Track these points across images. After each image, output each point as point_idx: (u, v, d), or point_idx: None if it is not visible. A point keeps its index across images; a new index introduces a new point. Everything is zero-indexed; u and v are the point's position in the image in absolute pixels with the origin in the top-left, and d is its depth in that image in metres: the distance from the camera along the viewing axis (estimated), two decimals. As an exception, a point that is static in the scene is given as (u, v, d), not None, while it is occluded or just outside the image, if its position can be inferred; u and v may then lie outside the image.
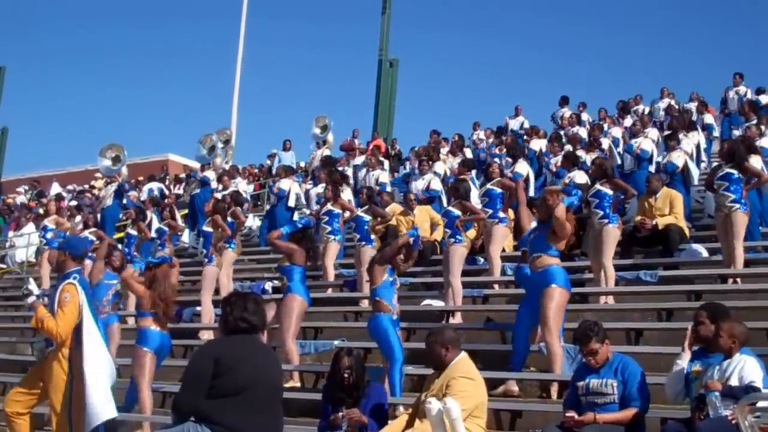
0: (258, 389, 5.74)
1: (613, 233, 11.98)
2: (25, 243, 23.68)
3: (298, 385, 11.12)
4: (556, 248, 9.64)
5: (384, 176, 20.41)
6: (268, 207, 20.79)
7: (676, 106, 23.54)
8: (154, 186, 25.74)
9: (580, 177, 14.61)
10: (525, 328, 9.88)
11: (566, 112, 24.66)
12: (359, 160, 23.64)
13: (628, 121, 21.67)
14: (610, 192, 12.11)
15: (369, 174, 20.29)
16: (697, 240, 13.61)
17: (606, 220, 11.92)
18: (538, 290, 9.54)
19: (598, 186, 12.22)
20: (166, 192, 25.90)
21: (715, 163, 16.27)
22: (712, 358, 6.99)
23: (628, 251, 13.02)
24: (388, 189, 19.00)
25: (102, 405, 7.95)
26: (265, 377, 5.85)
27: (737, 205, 11.65)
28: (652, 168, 16.55)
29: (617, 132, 20.25)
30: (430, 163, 19.04)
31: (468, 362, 7.09)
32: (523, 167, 16.57)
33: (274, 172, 24.31)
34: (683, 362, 7.24)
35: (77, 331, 7.95)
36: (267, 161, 29.43)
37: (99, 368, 7.98)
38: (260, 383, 5.77)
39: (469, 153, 22.87)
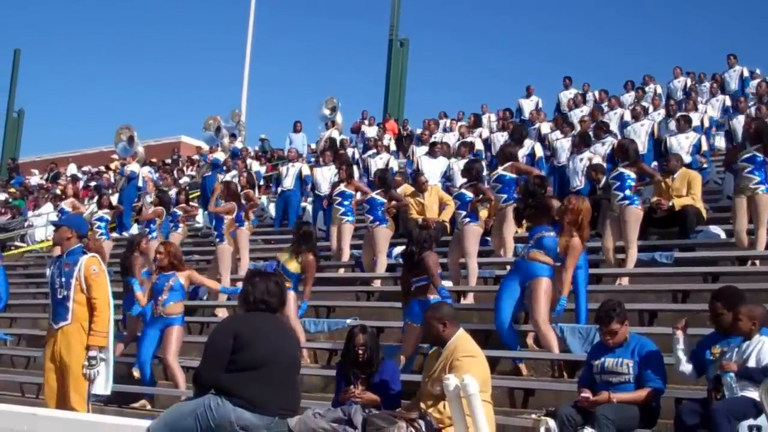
0: (276, 364, 5.80)
1: (635, 213, 11.89)
2: (43, 222, 23.77)
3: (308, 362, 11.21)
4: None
5: (392, 160, 20.32)
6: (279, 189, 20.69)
7: (695, 85, 23.23)
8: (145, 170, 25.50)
9: (596, 159, 14.56)
10: (510, 314, 9.87)
11: (570, 93, 24.44)
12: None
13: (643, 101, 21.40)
14: (633, 175, 11.99)
15: (376, 158, 20.20)
16: (715, 222, 13.42)
17: (627, 201, 11.82)
18: (523, 278, 9.70)
19: (620, 168, 12.10)
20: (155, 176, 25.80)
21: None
22: (732, 340, 6.90)
23: (643, 232, 12.86)
24: (396, 169, 18.94)
25: (103, 379, 8.03)
26: (283, 353, 5.91)
27: (762, 187, 11.48)
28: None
29: (627, 114, 20.03)
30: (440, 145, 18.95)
31: (467, 339, 7.02)
32: (535, 147, 16.56)
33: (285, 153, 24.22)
34: (680, 344, 7.21)
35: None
36: (258, 144, 29.25)
37: (109, 345, 8.08)
38: (278, 358, 5.83)
39: (486, 133, 22.68)
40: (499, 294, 9.93)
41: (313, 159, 24.25)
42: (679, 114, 17.11)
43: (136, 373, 11.87)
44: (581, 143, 15.59)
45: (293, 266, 11.43)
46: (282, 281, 6.46)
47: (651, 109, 19.87)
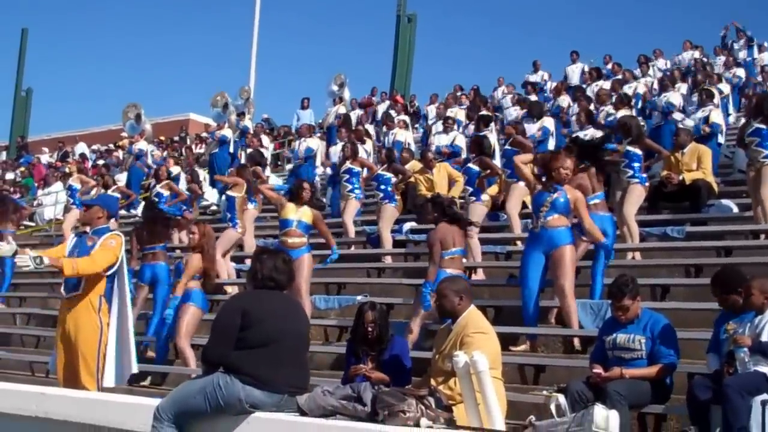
0: (285, 342, 5.77)
1: (637, 191, 11.85)
2: (52, 201, 23.80)
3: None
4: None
5: (401, 135, 20.23)
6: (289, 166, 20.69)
7: (704, 59, 23.07)
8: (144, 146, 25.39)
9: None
10: (536, 288, 9.73)
11: (577, 67, 24.28)
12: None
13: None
14: (639, 152, 11.91)
15: (388, 133, 20.13)
16: (727, 195, 13.36)
17: (635, 179, 11.78)
18: (545, 248, 9.48)
19: (627, 147, 12.02)
20: (157, 154, 25.75)
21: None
22: (745, 316, 6.85)
23: (655, 207, 12.80)
24: (411, 147, 18.84)
25: (130, 359, 8.03)
26: (292, 330, 5.88)
27: (770, 159, 11.40)
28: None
29: (641, 88, 19.89)
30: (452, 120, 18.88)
31: (478, 315, 7.00)
32: (549, 123, 16.48)
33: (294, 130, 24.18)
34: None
35: (112, 282, 8.07)
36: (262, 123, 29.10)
37: (128, 324, 8.08)
38: (287, 336, 5.80)
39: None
40: (525, 266, 9.77)
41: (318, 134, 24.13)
42: (702, 87, 16.96)
43: (148, 352, 11.92)
44: (586, 119, 15.45)
45: (307, 216, 11.54)
46: (290, 258, 6.42)
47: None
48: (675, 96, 17.04)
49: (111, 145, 31.63)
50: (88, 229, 8.45)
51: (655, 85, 19.49)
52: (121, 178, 22.91)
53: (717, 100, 16.54)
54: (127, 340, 8.08)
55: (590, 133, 14.86)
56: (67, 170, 25.40)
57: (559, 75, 25.22)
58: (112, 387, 8.03)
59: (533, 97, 20.89)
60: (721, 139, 15.67)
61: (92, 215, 8.34)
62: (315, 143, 20.18)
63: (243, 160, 18.99)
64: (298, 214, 11.50)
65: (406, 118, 22.88)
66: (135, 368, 8.22)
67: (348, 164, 15.30)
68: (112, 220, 16.97)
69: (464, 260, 12.51)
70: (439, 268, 9.67)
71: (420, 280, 10.44)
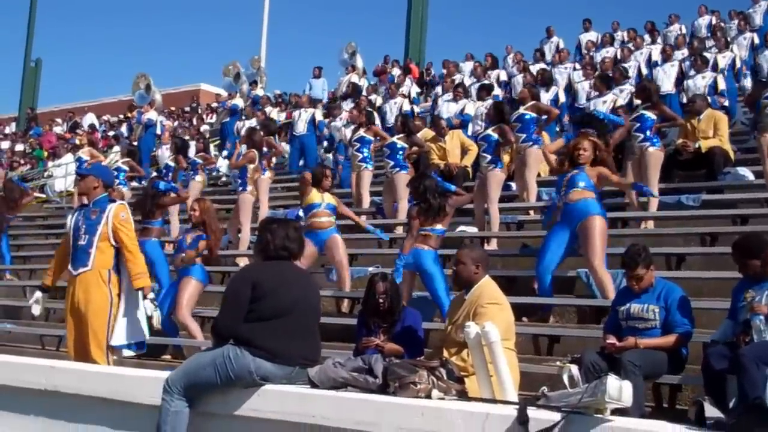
0: (296, 313, 5.76)
1: (655, 156, 11.73)
2: (63, 173, 23.84)
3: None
4: (593, 182, 9.53)
5: (406, 104, 20.18)
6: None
7: (722, 24, 22.83)
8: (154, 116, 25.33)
9: (621, 100, 14.40)
10: (554, 261, 9.70)
11: (591, 35, 24.10)
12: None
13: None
14: (653, 116, 11.81)
15: (391, 102, 20.07)
16: (743, 163, 13.23)
17: (647, 143, 11.66)
18: (573, 222, 9.39)
19: (641, 110, 11.93)
20: (167, 124, 25.73)
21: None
22: (765, 284, 6.79)
23: (669, 175, 12.71)
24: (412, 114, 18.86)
25: (130, 328, 8.05)
26: (303, 302, 5.86)
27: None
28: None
29: (655, 53, 19.72)
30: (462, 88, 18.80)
31: (492, 285, 6.97)
32: (560, 93, 16.42)
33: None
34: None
35: (118, 254, 8.09)
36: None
37: (135, 297, 8.12)
38: (298, 308, 5.79)
39: (504, 76, 22.49)
40: (546, 239, 9.78)
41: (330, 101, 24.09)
42: (696, 54, 16.92)
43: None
44: (602, 85, 15.34)
45: (330, 198, 11.78)
46: (300, 227, 6.41)
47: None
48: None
49: (121, 116, 31.67)
50: (86, 200, 8.48)
51: (656, 56, 19.30)
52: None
53: (725, 63, 16.46)
54: (135, 307, 8.12)
55: (609, 98, 14.78)
56: (77, 142, 25.46)
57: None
58: (122, 358, 8.09)
59: (541, 65, 20.80)
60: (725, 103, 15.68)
61: (88, 185, 8.33)
62: (318, 114, 20.24)
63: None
64: (323, 198, 11.66)
65: (409, 88, 22.86)
66: (146, 332, 8.26)
67: (361, 132, 15.22)
68: (125, 190, 17.14)
69: (470, 229, 12.59)
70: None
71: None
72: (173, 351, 11.24)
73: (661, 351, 6.90)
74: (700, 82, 15.54)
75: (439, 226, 9.93)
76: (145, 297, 8.06)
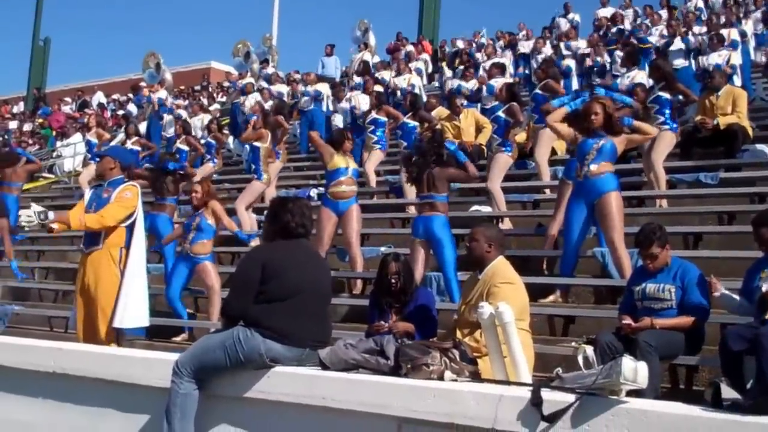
0: (306, 294, 5.75)
1: (668, 137, 11.69)
2: (71, 153, 23.88)
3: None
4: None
5: (415, 79, 20.13)
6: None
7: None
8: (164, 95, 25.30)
9: (640, 77, 14.29)
10: (579, 238, 9.66)
11: (607, 11, 23.98)
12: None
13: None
14: (669, 97, 11.75)
15: (400, 78, 20.04)
16: (762, 140, 13.10)
17: (665, 126, 11.61)
18: (590, 197, 9.32)
19: (657, 91, 11.86)
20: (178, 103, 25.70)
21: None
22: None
23: (687, 152, 12.63)
24: (416, 91, 18.81)
25: (142, 311, 8.06)
26: (313, 282, 5.86)
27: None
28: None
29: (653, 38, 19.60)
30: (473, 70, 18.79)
31: (506, 265, 6.95)
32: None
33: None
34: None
35: (130, 233, 8.11)
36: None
37: (142, 274, 8.09)
38: (309, 288, 5.78)
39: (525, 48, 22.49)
40: (568, 218, 9.70)
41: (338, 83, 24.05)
42: (713, 33, 16.83)
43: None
44: (629, 60, 15.23)
45: (353, 163, 11.80)
46: (311, 205, 6.44)
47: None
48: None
49: (130, 95, 31.63)
50: (85, 182, 8.51)
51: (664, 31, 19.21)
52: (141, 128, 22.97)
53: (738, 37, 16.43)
54: (137, 288, 8.11)
55: (633, 74, 14.70)
56: (86, 122, 25.48)
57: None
58: (127, 339, 8.11)
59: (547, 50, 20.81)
60: (737, 81, 15.53)
61: (104, 166, 8.38)
62: (322, 87, 20.23)
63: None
64: (347, 162, 11.57)
65: (418, 64, 22.83)
66: (146, 320, 8.26)
67: (374, 114, 15.22)
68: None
69: (484, 209, 12.57)
70: None
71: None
72: (187, 333, 11.28)
73: (678, 331, 6.88)
74: (715, 61, 15.42)
75: (439, 194, 10.02)
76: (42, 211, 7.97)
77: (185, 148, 17.63)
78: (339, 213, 11.40)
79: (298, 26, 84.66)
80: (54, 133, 28.48)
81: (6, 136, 29.52)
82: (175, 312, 11.26)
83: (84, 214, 7.98)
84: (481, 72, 19.51)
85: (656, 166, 11.56)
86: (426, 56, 25.58)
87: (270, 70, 25.65)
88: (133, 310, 8.00)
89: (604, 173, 9.24)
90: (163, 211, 12.59)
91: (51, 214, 7.93)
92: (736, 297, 7.08)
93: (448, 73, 20.98)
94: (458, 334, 6.81)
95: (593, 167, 9.25)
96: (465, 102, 16.46)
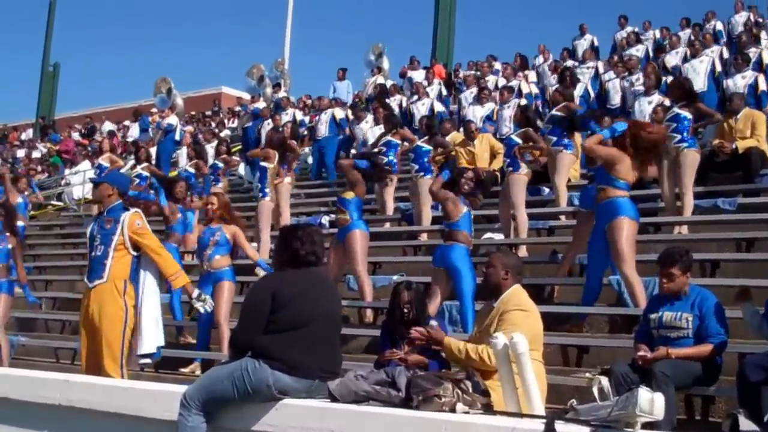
0: (316, 324, 5.74)
1: (691, 157, 11.63)
2: (80, 180, 23.97)
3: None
4: (624, 180, 9.36)
5: (436, 104, 20.16)
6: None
7: (761, 20, 22.65)
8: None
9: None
10: (597, 265, 9.66)
11: (626, 32, 23.97)
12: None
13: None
14: (689, 116, 11.71)
15: (418, 102, 20.07)
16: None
17: (684, 144, 11.55)
18: (603, 223, 9.32)
19: (676, 109, 11.83)
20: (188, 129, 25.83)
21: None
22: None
23: (704, 177, 12.58)
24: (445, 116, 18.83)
25: (156, 333, 8.10)
26: (323, 312, 5.84)
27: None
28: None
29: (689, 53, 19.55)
30: (488, 91, 18.79)
31: (522, 293, 6.91)
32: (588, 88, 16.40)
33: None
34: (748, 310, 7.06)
35: (136, 264, 8.17)
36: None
37: (155, 300, 8.19)
38: (319, 318, 5.77)
39: (533, 76, 22.44)
40: (589, 249, 9.80)
41: (358, 103, 24.09)
42: (741, 53, 16.78)
43: (183, 339, 12.01)
44: (655, 84, 15.22)
45: (348, 194, 11.64)
46: (322, 232, 6.46)
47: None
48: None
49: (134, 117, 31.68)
50: (95, 209, 8.56)
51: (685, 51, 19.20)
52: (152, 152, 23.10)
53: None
54: (155, 314, 8.17)
55: (654, 99, 14.67)
56: (98, 146, 25.55)
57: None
58: (139, 370, 8.13)
59: (569, 63, 20.74)
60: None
61: (102, 193, 8.41)
62: (340, 113, 20.33)
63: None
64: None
65: (438, 86, 22.86)
66: (163, 340, 8.33)
67: (388, 137, 15.21)
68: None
69: (497, 236, 12.56)
70: None
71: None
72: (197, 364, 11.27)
73: (694, 361, 6.86)
74: (740, 82, 15.35)
75: (459, 215, 10.07)
76: (190, 297, 8.33)
77: (192, 170, 17.69)
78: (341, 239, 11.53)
79: (310, 51, 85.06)
80: (62, 160, 28.58)
81: (14, 164, 29.66)
82: (199, 341, 11.25)
83: (177, 279, 8.22)
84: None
85: (687, 192, 11.54)
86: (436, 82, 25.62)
87: (282, 94, 25.76)
88: (153, 332, 8.07)
89: (616, 197, 9.25)
90: (166, 240, 12.57)
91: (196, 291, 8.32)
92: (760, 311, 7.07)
93: (467, 99, 20.94)
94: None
95: (603, 191, 9.33)
96: (480, 127, 16.52)
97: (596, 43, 23.82)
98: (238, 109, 32.08)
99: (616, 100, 17.37)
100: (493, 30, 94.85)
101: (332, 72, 27.16)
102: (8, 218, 11.68)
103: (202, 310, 8.50)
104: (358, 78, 27.04)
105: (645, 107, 14.73)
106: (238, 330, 5.89)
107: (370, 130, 18.57)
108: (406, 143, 15.07)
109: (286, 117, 22.24)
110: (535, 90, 21.00)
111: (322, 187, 19.33)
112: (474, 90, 19.83)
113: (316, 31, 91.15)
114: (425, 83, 22.48)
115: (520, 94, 19.05)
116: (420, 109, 19.79)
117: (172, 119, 22.98)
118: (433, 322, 7.09)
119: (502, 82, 21.10)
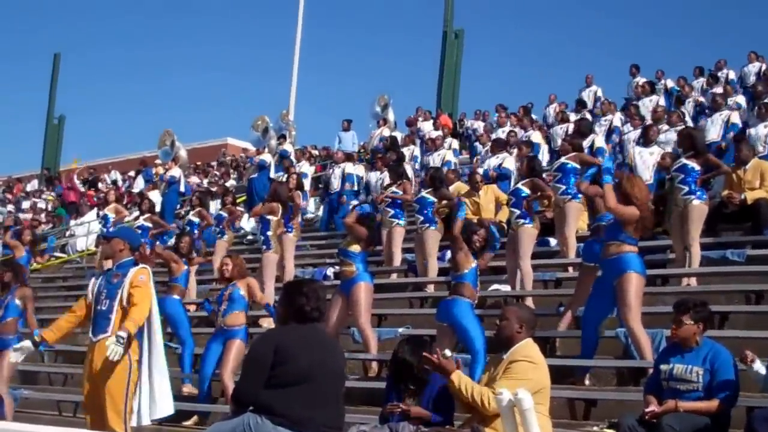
0: (319, 379, 5.77)
1: (699, 209, 11.57)
2: (85, 231, 24.02)
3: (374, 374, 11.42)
4: (633, 235, 9.36)
5: (450, 155, 20.19)
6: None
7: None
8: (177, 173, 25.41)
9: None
10: (595, 317, 9.66)
11: (639, 80, 24.07)
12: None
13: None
14: (697, 167, 11.72)
15: (434, 153, 20.12)
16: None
17: (692, 196, 11.53)
18: (611, 277, 9.31)
19: (683, 159, 11.84)
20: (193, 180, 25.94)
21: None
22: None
23: (713, 228, 12.57)
24: (453, 167, 18.87)
25: (165, 398, 8.07)
26: (326, 367, 5.88)
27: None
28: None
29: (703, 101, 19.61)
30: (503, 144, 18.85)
31: (532, 346, 6.90)
32: (596, 140, 16.42)
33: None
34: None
35: (146, 319, 8.15)
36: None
37: (162, 360, 8.13)
38: (321, 373, 5.80)
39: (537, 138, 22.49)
40: (588, 299, 9.80)
41: (364, 159, 24.21)
42: (761, 102, 16.79)
43: (186, 389, 11.97)
44: (656, 135, 15.25)
45: (354, 246, 11.54)
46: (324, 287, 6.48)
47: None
48: (734, 115, 16.97)
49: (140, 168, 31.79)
50: (110, 263, 8.54)
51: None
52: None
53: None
54: (160, 376, 8.15)
55: (656, 151, 14.72)
56: (104, 196, 25.62)
57: (620, 91, 25.12)
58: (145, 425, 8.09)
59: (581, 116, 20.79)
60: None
61: (114, 248, 8.48)
62: (358, 169, 20.39)
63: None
64: None
65: (451, 139, 22.91)
66: (171, 407, 8.29)
67: (393, 188, 15.23)
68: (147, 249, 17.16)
69: (504, 288, 12.54)
70: None
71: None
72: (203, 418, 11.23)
73: (703, 415, 6.83)
74: (762, 131, 15.25)
75: (468, 268, 10.04)
76: (117, 335, 7.84)
77: (196, 220, 17.74)
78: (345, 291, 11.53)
79: (316, 101, 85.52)
80: (67, 211, 28.65)
81: (18, 214, 29.75)
82: (201, 392, 11.24)
83: (131, 318, 7.94)
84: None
85: (694, 244, 11.50)
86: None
87: (287, 146, 25.88)
88: (160, 399, 8.04)
89: (624, 253, 9.24)
90: (170, 292, 12.62)
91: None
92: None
93: (480, 150, 21.02)
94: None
95: (611, 246, 9.31)
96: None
97: (600, 94, 23.94)
98: (241, 155, 32.23)
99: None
100: (498, 78, 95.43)
101: (337, 122, 27.30)
102: (16, 275, 11.74)
103: (109, 347, 7.79)
104: (362, 129, 27.25)
105: (647, 158, 14.82)
106: (240, 384, 5.92)
107: (378, 180, 18.62)
108: (407, 196, 15.06)
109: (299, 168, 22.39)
110: (542, 141, 21.05)
111: (329, 238, 19.34)
112: (488, 145, 19.87)
113: (321, 82, 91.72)
114: (439, 133, 22.52)
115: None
116: (435, 161, 19.82)
117: (176, 171, 23.08)
118: (447, 353, 7.00)
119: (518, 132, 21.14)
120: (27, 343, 8.52)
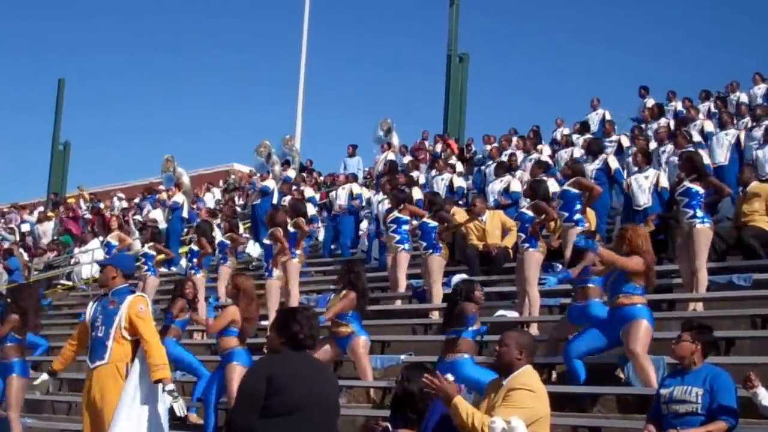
0: (313, 408, 5.76)
1: (704, 233, 11.56)
2: (89, 259, 24.08)
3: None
4: (641, 286, 9.36)
5: (458, 179, 20.21)
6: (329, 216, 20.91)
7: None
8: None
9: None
10: (581, 352, 9.78)
11: (648, 102, 24.08)
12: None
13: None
14: (701, 190, 11.72)
15: (438, 177, 20.15)
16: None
17: (696, 220, 11.53)
18: (618, 327, 9.32)
19: (687, 183, 11.83)
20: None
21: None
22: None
23: (723, 253, 12.54)
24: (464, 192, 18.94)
25: (157, 425, 8.08)
26: (320, 396, 5.88)
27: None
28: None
29: (708, 125, 19.63)
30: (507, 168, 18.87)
31: (533, 374, 6.88)
32: (609, 160, 16.44)
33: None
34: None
35: (137, 346, 8.20)
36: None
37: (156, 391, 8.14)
38: (316, 402, 5.80)
39: (547, 150, 22.49)
40: (585, 328, 9.85)
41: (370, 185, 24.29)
42: (765, 124, 16.80)
43: (192, 418, 11.95)
44: (644, 159, 15.28)
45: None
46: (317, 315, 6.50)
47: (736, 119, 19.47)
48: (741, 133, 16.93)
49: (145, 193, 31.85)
50: (105, 291, 8.58)
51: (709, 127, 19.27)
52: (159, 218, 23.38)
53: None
54: (155, 403, 8.14)
55: (651, 174, 14.74)
56: (107, 222, 25.70)
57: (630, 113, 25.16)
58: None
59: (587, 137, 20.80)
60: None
61: (106, 276, 8.54)
62: (364, 190, 20.47)
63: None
64: None
65: (457, 163, 22.95)
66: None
67: (396, 213, 15.19)
68: (153, 277, 17.18)
69: (510, 314, 12.50)
70: None
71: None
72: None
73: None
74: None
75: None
76: (164, 389, 8.05)
77: (196, 248, 17.78)
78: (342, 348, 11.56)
79: (322, 126, 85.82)
80: (72, 238, 28.73)
81: (22, 239, 29.87)
82: (206, 422, 11.21)
83: (157, 370, 7.96)
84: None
85: (701, 269, 11.47)
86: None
87: (291, 172, 25.96)
88: (151, 426, 8.05)
89: (634, 305, 9.25)
90: (166, 334, 12.48)
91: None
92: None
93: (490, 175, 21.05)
94: None
95: (619, 298, 9.35)
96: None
97: (608, 117, 23.93)
98: (247, 179, 32.31)
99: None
100: (504, 101, 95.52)
101: (343, 148, 27.41)
102: (24, 323, 11.69)
103: (167, 404, 8.15)
104: (367, 154, 27.33)
105: (642, 182, 14.83)
106: (234, 415, 5.90)
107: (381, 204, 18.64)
108: (414, 221, 14.98)
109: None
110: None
111: (334, 264, 19.34)
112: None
113: (327, 106, 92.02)
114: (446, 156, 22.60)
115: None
116: (440, 183, 19.83)
117: (179, 197, 23.14)
118: (449, 377, 6.98)
119: (520, 156, 21.13)
120: (45, 377, 8.92)
